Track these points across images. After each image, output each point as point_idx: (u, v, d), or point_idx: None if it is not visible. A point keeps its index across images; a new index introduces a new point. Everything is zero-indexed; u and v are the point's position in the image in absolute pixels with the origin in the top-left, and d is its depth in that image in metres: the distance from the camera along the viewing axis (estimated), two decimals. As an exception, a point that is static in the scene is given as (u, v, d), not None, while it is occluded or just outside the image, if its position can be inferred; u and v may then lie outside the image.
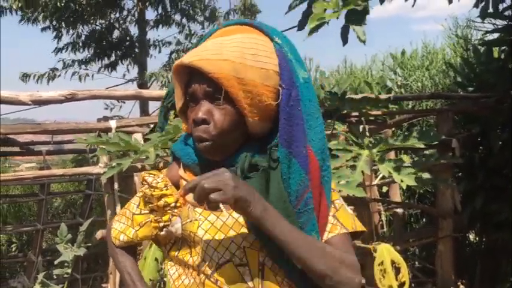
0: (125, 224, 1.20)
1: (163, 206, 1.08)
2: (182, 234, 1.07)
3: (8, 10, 8.59)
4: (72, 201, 7.12)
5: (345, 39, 2.34)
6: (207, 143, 1.03)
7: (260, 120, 1.04)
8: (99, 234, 3.12)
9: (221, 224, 1.05)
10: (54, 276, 2.48)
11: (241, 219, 1.04)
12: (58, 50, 9.21)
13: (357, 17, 2.17)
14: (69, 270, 2.37)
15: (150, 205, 1.11)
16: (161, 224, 1.09)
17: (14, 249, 6.72)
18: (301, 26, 2.36)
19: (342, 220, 1.10)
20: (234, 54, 1.01)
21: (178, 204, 1.09)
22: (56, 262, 2.43)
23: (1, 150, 5.43)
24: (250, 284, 1.02)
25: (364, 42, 2.17)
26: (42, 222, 5.09)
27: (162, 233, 1.10)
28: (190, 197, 1.05)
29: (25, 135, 4.61)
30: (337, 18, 2.18)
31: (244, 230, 1.04)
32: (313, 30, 2.21)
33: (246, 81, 1.01)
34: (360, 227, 1.13)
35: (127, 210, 1.21)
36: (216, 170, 0.97)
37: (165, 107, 1.20)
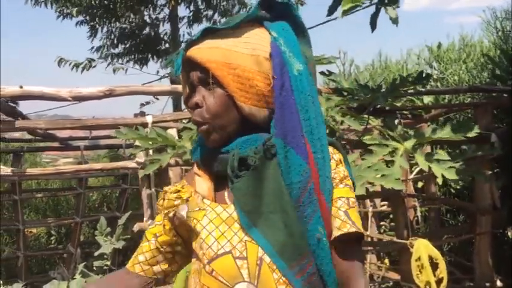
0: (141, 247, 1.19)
1: (174, 199, 1.13)
2: (187, 221, 1.09)
3: (43, 3, 8.83)
4: (108, 195, 7.28)
5: (373, 25, 2.30)
6: (204, 126, 1.07)
7: (254, 105, 1.04)
8: (137, 227, 3.19)
9: (227, 216, 1.05)
10: (94, 268, 2.54)
11: None
12: (95, 50, 9.42)
13: (390, -3, 2.14)
14: (108, 262, 2.42)
15: (164, 205, 1.14)
16: (170, 214, 1.12)
17: (53, 241, 6.92)
18: (331, 11, 2.32)
19: (353, 218, 1.07)
20: (224, 42, 1.05)
21: (190, 198, 1.12)
22: (95, 254, 2.49)
23: (41, 145, 5.60)
24: (246, 277, 1.01)
25: (396, 23, 2.14)
26: (80, 215, 5.24)
27: (175, 219, 1.12)
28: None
29: (63, 131, 4.75)
30: (371, 1, 2.15)
31: None
32: (346, 12, 2.18)
33: (235, 66, 1.03)
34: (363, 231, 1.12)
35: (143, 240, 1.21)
36: None
37: None
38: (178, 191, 1.14)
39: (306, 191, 1.02)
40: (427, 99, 4.48)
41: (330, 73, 3.39)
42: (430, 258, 2.53)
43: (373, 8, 2.41)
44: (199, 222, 1.07)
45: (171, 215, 1.12)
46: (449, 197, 4.62)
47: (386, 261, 4.34)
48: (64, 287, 2.36)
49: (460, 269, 3.97)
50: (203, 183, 1.11)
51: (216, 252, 1.03)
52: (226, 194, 1.08)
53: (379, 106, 3.24)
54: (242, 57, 1.04)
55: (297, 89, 1.05)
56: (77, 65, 8.88)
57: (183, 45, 1.19)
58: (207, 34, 1.07)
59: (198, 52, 1.05)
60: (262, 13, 1.09)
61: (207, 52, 1.05)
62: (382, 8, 2.30)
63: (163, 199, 1.15)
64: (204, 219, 1.07)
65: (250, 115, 1.05)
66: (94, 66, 9.13)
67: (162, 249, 1.16)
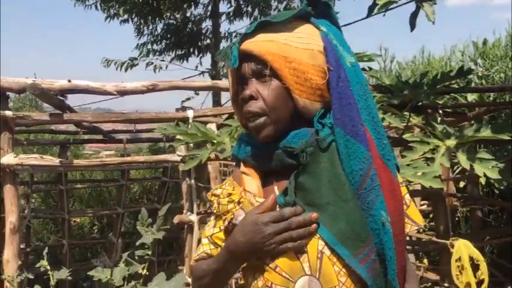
0: (207, 249, 1.18)
1: (227, 203, 1.11)
2: None
3: (93, 5, 9.12)
4: (148, 187, 7.45)
5: (413, 24, 2.27)
6: (259, 119, 1.06)
7: (308, 98, 1.05)
8: (176, 219, 3.26)
9: None
10: (136, 257, 2.62)
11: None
12: (140, 46, 9.65)
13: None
14: (149, 252, 2.49)
15: (221, 210, 1.12)
16: (226, 222, 1.11)
17: (95, 231, 7.15)
18: (370, 10, 2.30)
19: (413, 216, 1.11)
20: (279, 35, 1.06)
21: (241, 200, 1.10)
22: (137, 244, 2.56)
23: (84, 137, 5.79)
24: (308, 271, 1.02)
25: (433, 21, 2.10)
26: (122, 206, 5.40)
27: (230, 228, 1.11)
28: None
29: (105, 124, 4.89)
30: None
31: None
32: (382, 8, 2.16)
33: (291, 59, 1.04)
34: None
35: (203, 238, 1.21)
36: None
37: None
38: (230, 194, 1.13)
39: (368, 178, 1.03)
40: (471, 97, 4.36)
41: (371, 69, 3.35)
42: (471, 259, 2.48)
43: (412, 6, 2.38)
44: None
45: (226, 223, 1.11)
46: (492, 198, 4.50)
47: (426, 261, 4.27)
48: (108, 274, 2.45)
49: (501, 271, 3.87)
50: (252, 181, 1.11)
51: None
52: (276, 189, 1.09)
53: (420, 103, 3.19)
54: (297, 51, 1.05)
55: (353, 80, 1.06)
56: (121, 65, 9.18)
57: (234, 39, 1.16)
58: (259, 28, 1.08)
59: (254, 45, 1.06)
60: (308, 9, 1.11)
61: (263, 45, 1.06)
62: (432, 9, 2.26)
63: (218, 204, 1.14)
64: None
65: (303, 108, 1.06)
66: (136, 65, 9.38)
67: None
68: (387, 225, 1.03)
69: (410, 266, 1.17)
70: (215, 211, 1.15)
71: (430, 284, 4.08)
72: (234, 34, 9.62)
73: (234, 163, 1.23)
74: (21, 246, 4.48)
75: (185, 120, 3.21)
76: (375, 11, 2.30)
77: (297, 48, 1.05)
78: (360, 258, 1.02)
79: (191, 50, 9.69)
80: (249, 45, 1.07)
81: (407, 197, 1.13)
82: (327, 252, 1.03)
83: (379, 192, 1.04)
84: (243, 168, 1.14)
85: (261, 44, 1.06)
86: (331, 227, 1.02)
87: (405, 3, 2.40)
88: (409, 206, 1.12)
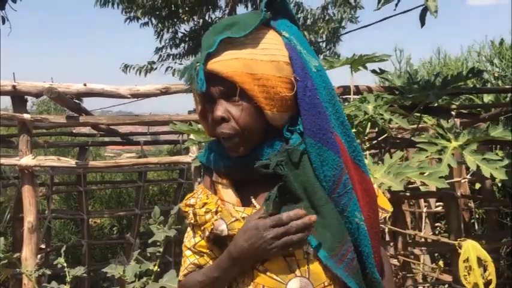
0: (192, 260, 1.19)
1: (204, 213, 1.12)
2: (229, 233, 1.09)
3: (111, 2, 9.26)
4: (166, 189, 7.56)
5: (422, 21, 2.28)
6: (233, 138, 1.06)
7: (278, 111, 1.05)
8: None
9: None
10: (148, 254, 2.69)
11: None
12: (159, 50, 9.79)
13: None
14: (161, 249, 2.55)
15: (199, 221, 1.14)
16: (206, 232, 1.12)
17: (115, 231, 7.28)
18: (379, 2, 2.32)
19: (382, 204, 1.19)
20: (244, 52, 1.03)
21: (219, 209, 1.12)
22: (149, 241, 2.63)
23: (105, 140, 5.91)
24: (297, 272, 1.06)
25: (435, 15, 2.11)
26: (139, 207, 5.49)
27: (211, 238, 1.13)
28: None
29: (126, 127, 5.00)
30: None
31: None
32: (385, 3, 2.19)
33: (259, 76, 1.02)
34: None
35: (185, 251, 1.21)
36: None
37: None
38: (205, 203, 1.14)
39: (341, 183, 1.06)
40: (487, 98, 4.32)
41: (382, 71, 3.36)
42: (480, 260, 2.47)
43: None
44: None
45: (207, 233, 1.12)
46: (509, 199, 4.44)
47: (441, 263, 4.23)
48: (121, 271, 2.52)
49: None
50: (228, 191, 1.12)
51: None
52: (252, 198, 1.11)
53: (435, 104, 3.18)
54: (264, 65, 1.03)
55: (320, 86, 1.07)
56: (140, 69, 9.34)
57: (197, 56, 1.15)
58: (222, 44, 1.04)
59: (220, 65, 1.03)
60: (268, 15, 1.08)
61: (229, 64, 1.03)
62: (435, 3, 2.27)
63: (195, 214, 1.14)
64: None
65: (273, 120, 1.06)
66: (155, 69, 9.53)
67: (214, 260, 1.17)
68: (361, 224, 1.08)
69: (384, 252, 1.24)
70: (192, 221, 1.17)
71: (446, 286, 4.06)
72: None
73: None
74: (42, 246, 4.62)
75: (198, 122, 3.26)
76: (380, 4, 2.32)
77: (263, 62, 1.03)
78: (336, 259, 1.06)
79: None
80: (215, 65, 1.03)
81: (375, 187, 1.18)
82: (311, 251, 1.07)
83: (352, 194, 1.07)
84: (216, 177, 1.15)
85: (227, 63, 1.03)
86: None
87: (416, 7, 2.41)
88: (378, 195, 1.18)
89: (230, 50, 1.04)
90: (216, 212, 1.12)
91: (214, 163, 1.14)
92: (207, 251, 1.17)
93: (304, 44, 1.09)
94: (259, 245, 1.03)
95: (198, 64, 1.05)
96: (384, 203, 1.22)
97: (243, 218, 1.08)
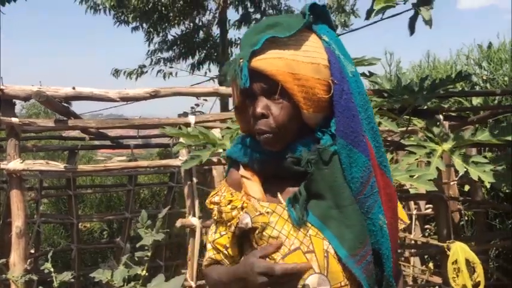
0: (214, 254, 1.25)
1: (230, 210, 1.16)
2: (253, 226, 1.13)
3: (102, 9, 9.23)
4: (157, 192, 7.52)
5: (412, 28, 2.30)
6: (269, 135, 1.10)
7: (314, 112, 1.10)
8: (179, 223, 3.30)
9: (288, 215, 1.12)
10: (136, 258, 2.68)
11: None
12: (151, 53, 9.77)
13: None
14: (149, 253, 2.54)
15: (223, 218, 1.18)
16: (232, 228, 1.17)
17: (106, 236, 7.23)
18: (368, 14, 2.34)
19: (400, 215, 1.20)
20: (286, 52, 1.08)
21: (244, 205, 1.15)
22: (137, 245, 2.61)
23: (95, 143, 5.88)
24: (316, 269, 1.09)
25: (430, 25, 2.13)
26: (129, 211, 5.46)
27: (237, 232, 1.17)
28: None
29: (116, 130, 4.97)
30: (404, 3, 2.16)
31: None
32: (379, 12, 2.20)
33: (300, 76, 1.07)
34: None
35: (207, 244, 1.27)
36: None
37: None
38: (231, 201, 1.17)
39: (368, 185, 1.10)
40: (476, 101, 4.35)
41: (371, 74, 3.37)
42: (468, 262, 2.49)
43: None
44: (267, 224, 1.13)
45: (232, 229, 1.17)
46: (498, 201, 4.48)
47: (431, 265, 4.26)
48: (108, 276, 2.50)
49: (507, 275, 3.85)
50: (254, 185, 1.16)
51: (288, 248, 1.11)
52: (278, 193, 1.15)
53: (424, 107, 3.19)
54: (304, 66, 1.08)
55: (355, 91, 1.11)
56: (130, 73, 9.33)
57: (237, 51, 1.16)
58: (266, 43, 1.09)
59: (264, 63, 1.08)
60: (311, 18, 1.14)
61: (273, 62, 1.08)
62: (429, 13, 2.28)
63: (220, 212, 1.19)
64: (270, 220, 1.13)
65: (308, 119, 1.11)
66: (145, 72, 9.52)
67: (229, 258, 1.23)
68: (384, 227, 1.11)
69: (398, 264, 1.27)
70: (216, 218, 1.21)
71: (436, 287, 4.07)
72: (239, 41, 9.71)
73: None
74: (31, 251, 4.57)
75: (187, 125, 3.26)
76: (374, 13, 2.34)
77: (304, 63, 1.08)
78: (356, 259, 1.09)
79: (201, 57, 9.79)
80: (259, 63, 1.08)
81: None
82: (331, 251, 1.10)
83: (377, 197, 1.11)
84: (243, 171, 1.18)
85: (271, 61, 1.07)
86: (333, 229, 1.09)
87: (405, 11, 2.43)
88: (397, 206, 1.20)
89: (274, 49, 1.09)
90: (242, 208, 1.15)
91: (244, 156, 1.18)
92: (223, 249, 1.21)
93: (342, 50, 1.14)
94: (251, 282, 1.09)
95: (242, 60, 1.08)
96: (402, 214, 1.24)
97: (267, 212, 1.12)
